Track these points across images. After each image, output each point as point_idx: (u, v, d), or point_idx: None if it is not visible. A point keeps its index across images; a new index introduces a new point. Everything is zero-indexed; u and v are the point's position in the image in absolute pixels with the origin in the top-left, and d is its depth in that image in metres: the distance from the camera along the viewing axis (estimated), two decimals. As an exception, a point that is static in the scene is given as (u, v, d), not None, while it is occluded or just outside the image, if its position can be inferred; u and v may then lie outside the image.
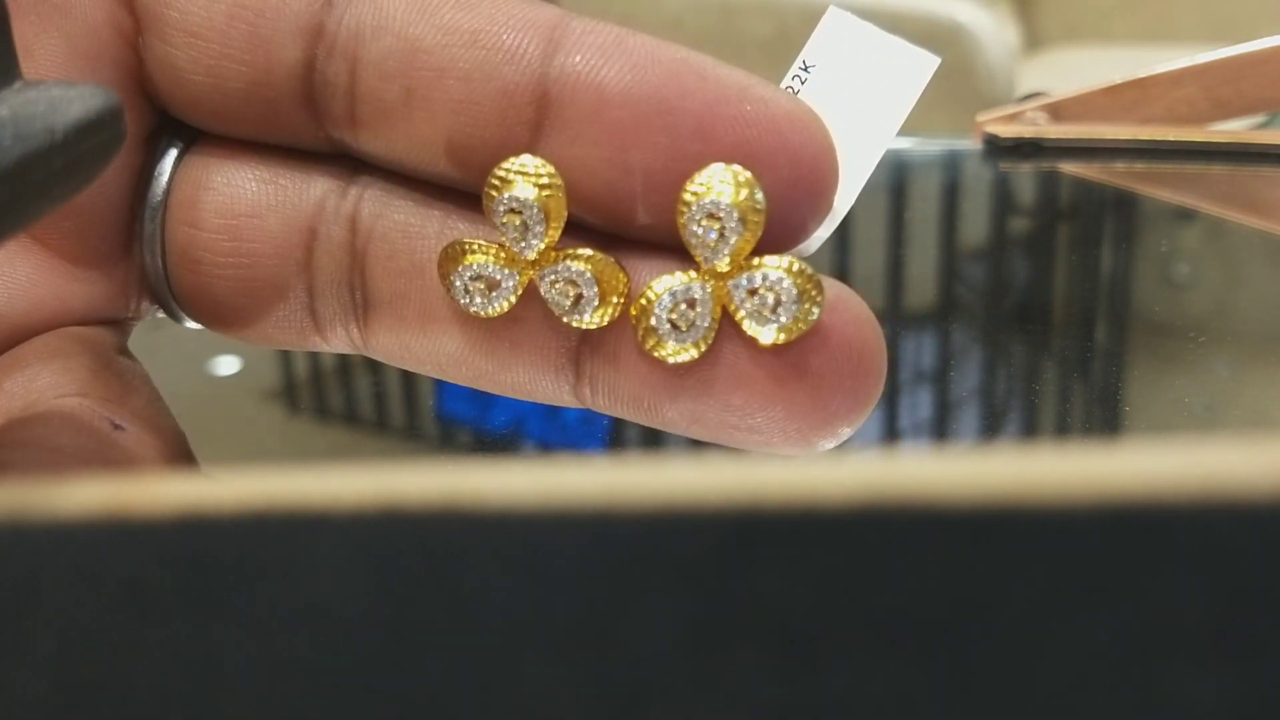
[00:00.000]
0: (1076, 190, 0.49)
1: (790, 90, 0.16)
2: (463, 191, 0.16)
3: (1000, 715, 0.06)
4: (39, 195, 0.11)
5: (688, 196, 0.14)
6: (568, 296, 0.15)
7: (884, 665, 0.07)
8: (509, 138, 0.14)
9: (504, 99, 0.14)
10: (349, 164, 0.16)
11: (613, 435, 0.29)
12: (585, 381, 0.16)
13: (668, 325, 0.15)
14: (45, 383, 0.15)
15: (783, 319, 0.14)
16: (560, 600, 0.07)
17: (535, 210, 0.14)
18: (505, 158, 0.14)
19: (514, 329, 0.16)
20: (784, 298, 0.14)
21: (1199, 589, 0.06)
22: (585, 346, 0.15)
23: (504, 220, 0.14)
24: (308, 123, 0.15)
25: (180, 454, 0.15)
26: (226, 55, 0.15)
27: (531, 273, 0.15)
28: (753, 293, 0.14)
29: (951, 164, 0.53)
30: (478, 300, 0.15)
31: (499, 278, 0.15)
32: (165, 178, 0.16)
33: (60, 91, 0.11)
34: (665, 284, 0.15)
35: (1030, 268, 0.43)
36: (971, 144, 0.49)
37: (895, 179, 0.50)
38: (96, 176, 0.12)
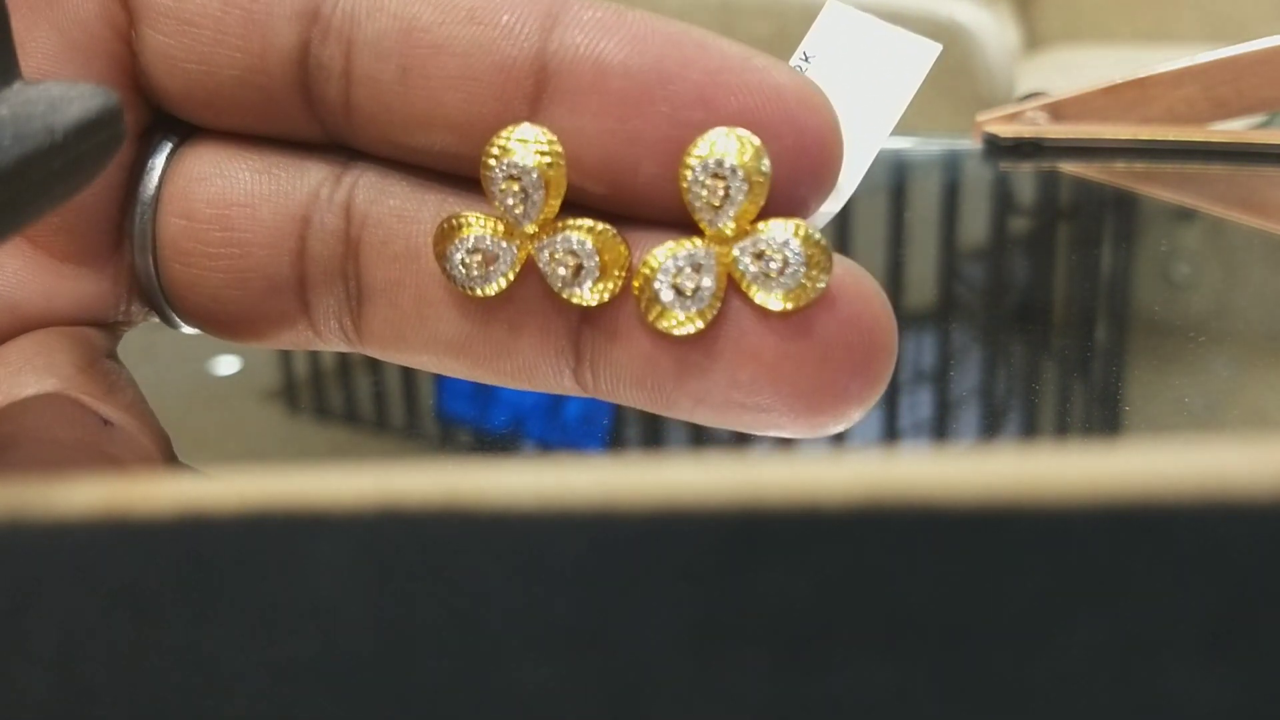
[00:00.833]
0: (1076, 190, 0.49)
1: None
2: (458, 176, 0.15)
3: (1000, 714, 0.06)
4: (38, 195, 0.11)
5: (691, 160, 0.14)
6: (567, 267, 0.14)
7: (884, 664, 0.07)
8: (507, 111, 0.14)
9: (502, 73, 0.14)
10: (343, 154, 0.16)
11: (612, 435, 0.29)
12: (586, 365, 0.15)
13: (671, 292, 0.14)
14: (29, 379, 0.15)
15: (789, 284, 0.14)
16: (560, 600, 0.07)
17: (535, 177, 0.14)
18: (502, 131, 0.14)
19: (511, 309, 0.15)
20: (791, 260, 0.14)
21: (1198, 589, 0.06)
22: (586, 325, 0.15)
23: (503, 188, 0.14)
24: (302, 110, 0.15)
25: (167, 455, 0.15)
26: (221, 42, 0.15)
27: (530, 247, 0.15)
28: (759, 256, 0.14)
29: (951, 164, 0.53)
30: (475, 274, 0.15)
31: (497, 251, 0.15)
32: (157, 173, 0.16)
33: (60, 91, 0.11)
34: (668, 248, 0.14)
35: (1030, 267, 0.43)
36: (971, 144, 0.49)
37: (895, 179, 0.50)
38: (96, 176, 0.12)
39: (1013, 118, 0.47)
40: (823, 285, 0.14)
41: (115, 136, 0.12)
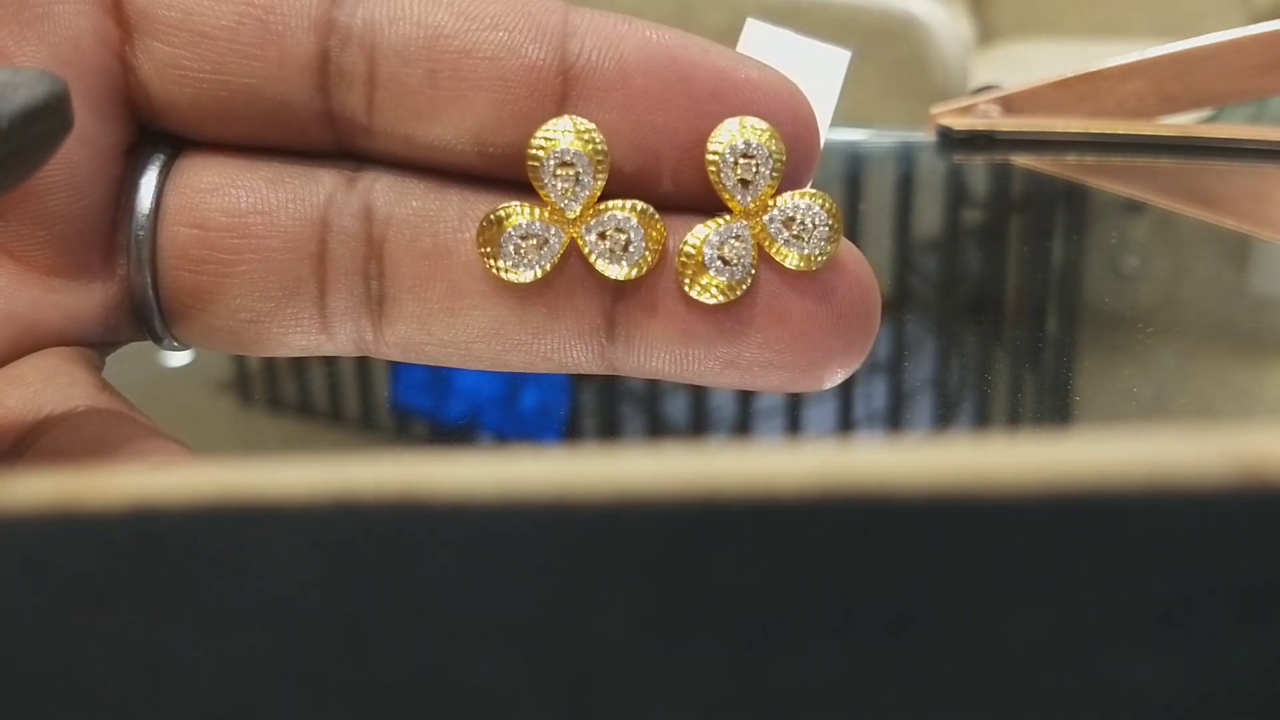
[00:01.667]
0: (1028, 182, 0.50)
1: None
2: (470, 176, 0.16)
3: (953, 699, 0.07)
4: (-16, 183, 0.11)
5: (716, 145, 0.15)
6: (619, 244, 0.16)
7: (839, 652, 0.07)
8: (538, 109, 0.15)
9: (532, 74, 0.15)
10: (350, 162, 0.16)
11: (568, 426, 0.29)
12: (620, 340, 0.16)
13: (719, 261, 0.16)
14: (53, 397, 0.15)
15: (815, 247, 0.16)
16: (516, 589, 0.07)
17: (586, 161, 0.15)
18: (536, 128, 0.15)
19: (549, 293, 0.16)
20: (819, 224, 0.16)
21: (1146, 575, 0.06)
22: (621, 303, 0.16)
23: (556, 174, 0.15)
24: (316, 117, 0.16)
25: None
26: (236, 51, 0.15)
27: (575, 230, 0.16)
28: (788, 221, 0.16)
29: (905, 156, 0.53)
30: (528, 259, 0.16)
31: (547, 236, 0.16)
32: (154, 185, 0.16)
33: (5, 78, 0.11)
34: (709, 225, 0.16)
35: (983, 259, 0.43)
36: (925, 136, 0.49)
37: (849, 170, 0.50)
38: (43, 164, 0.12)
39: (966, 111, 0.48)
40: (833, 248, 0.16)
41: (63, 124, 0.12)
